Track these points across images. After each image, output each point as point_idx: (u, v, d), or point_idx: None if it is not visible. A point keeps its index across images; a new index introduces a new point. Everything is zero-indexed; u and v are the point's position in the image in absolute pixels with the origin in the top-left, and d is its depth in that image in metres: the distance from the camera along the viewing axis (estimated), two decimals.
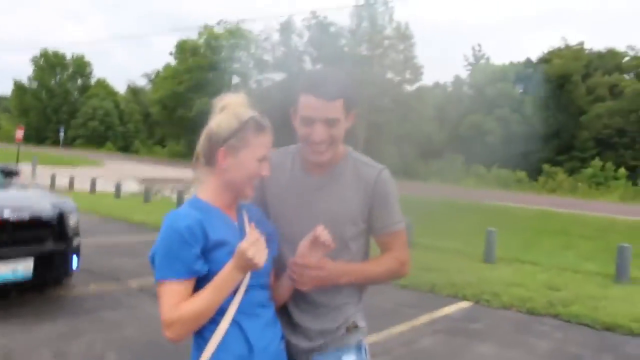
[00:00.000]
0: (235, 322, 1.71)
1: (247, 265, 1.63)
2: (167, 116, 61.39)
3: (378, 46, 54.49)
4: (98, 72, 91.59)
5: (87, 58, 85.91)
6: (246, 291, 1.72)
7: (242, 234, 1.77)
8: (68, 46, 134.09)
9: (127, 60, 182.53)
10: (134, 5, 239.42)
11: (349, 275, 1.95)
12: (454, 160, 50.33)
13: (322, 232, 1.79)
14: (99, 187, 20.45)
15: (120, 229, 11.46)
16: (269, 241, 1.78)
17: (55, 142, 68.52)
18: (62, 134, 60.05)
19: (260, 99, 56.31)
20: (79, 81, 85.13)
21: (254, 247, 1.62)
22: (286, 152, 2.11)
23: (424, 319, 6.23)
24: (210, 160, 1.76)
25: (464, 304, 6.99)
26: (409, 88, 56.45)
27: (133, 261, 8.26)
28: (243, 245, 1.61)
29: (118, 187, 18.97)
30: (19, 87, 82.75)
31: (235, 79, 64.29)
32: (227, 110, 1.76)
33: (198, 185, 1.82)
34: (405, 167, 45.01)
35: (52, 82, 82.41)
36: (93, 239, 9.55)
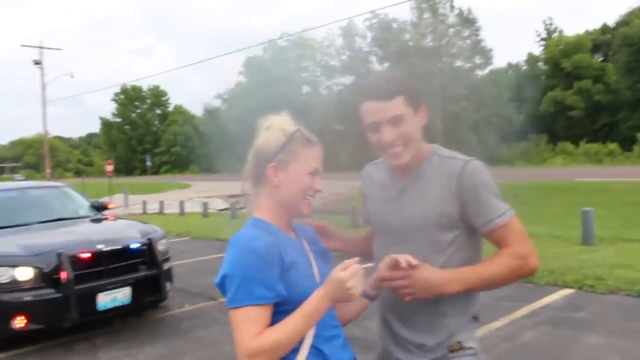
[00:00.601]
0: (314, 348, 1.60)
1: (342, 295, 1.53)
2: (244, 133, 62.70)
3: (443, 36, 53.58)
4: (174, 99, 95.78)
5: (162, 87, 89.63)
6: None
7: (304, 252, 1.69)
8: (143, 80, 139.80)
9: (200, 84, 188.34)
10: (197, 32, 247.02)
11: (455, 282, 1.74)
12: (537, 140, 48.61)
13: (399, 259, 1.68)
14: (188, 209, 21.09)
15: (210, 248, 11.71)
16: (325, 257, 1.76)
17: (143, 171, 71.68)
18: (148, 163, 62.70)
19: (333, 104, 56.68)
20: (158, 110, 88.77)
21: (355, 277, 1.52)
22: (380, 163, 2.05)
23: (523, 311, 5.95)
24: (260, 178, 1.69)
25: (566, 292, 6.62)
26: (481, 73, 55.01)
27: None
28: (343, 274, 1.52)
29: (205, 207, 19.50)
30: (105, 124, 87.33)
31: (306, 88, 64.95)
32: (273, 128, 1.69)
33: (252, 206, 1.74)
34: (488, 153, 43.80)
35: (133, 115, 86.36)
36: (185, 260, 9.82)
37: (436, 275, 1.72)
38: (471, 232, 1.84)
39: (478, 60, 54.41)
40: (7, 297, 5.24)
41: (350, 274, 1.51)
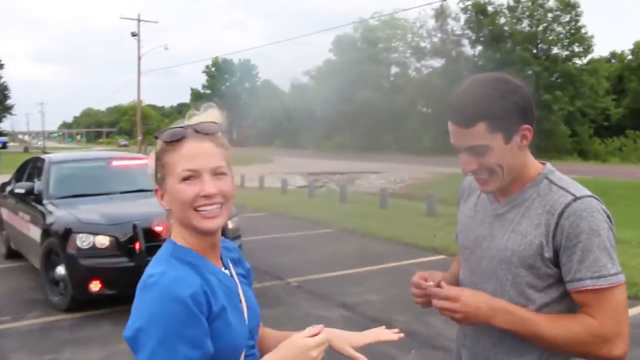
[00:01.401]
0: None
1: (297, 358, 1.28)
2: (330, 110, 63.04)
3: (540, 21, 51.23)
4: (263, 74, 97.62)
5: (252, 62, 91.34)
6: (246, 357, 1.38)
7: (232, 285, 1.40)
8: (234, 54, 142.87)
9: (288, 60, 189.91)
10: (287, 8, 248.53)
11: (504, 317, 1.50)
12: (636, 136, 45.88)
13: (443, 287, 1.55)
14: (267, 184, 21.51)
15: (284, 225, 11.93)
16: (248, 278, 1.53)
17: (230, 143, 73.57)
18: (235, 135, 64.25)
19: (421, 86, 55.87)
20: (247, 84, 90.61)
21: (321, 348, 1.30)
22: None
23: None
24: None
25: None
26: (579, 62, 52.31)
27: (294, 257, 8.56)
28: (309, 342, 1.28)
29: (284, 183, 19.82)
30: (195, 94, 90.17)
31: (394, 69, 64.23)
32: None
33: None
34: (579, 146, 41.89)
35: (223, 87, 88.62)
36: (259, 236, 10.05)
37: (487, 305, 1.51)
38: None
39: (577, 48, 51.86)
40: (86, 262, 5.59)
41: (317, 343, 1.28)
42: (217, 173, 1.31)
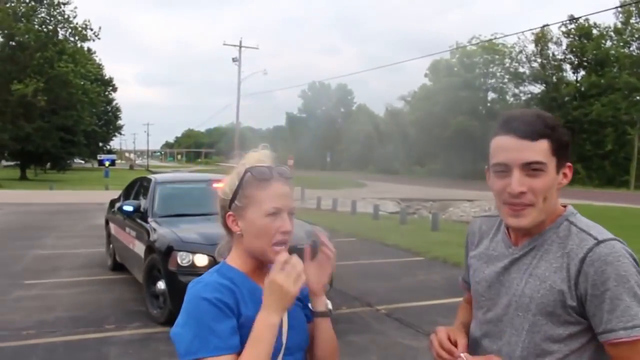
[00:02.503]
0: None
1: (279, 298, 1.39)
2: (424, 136, 62.48)
3: None
4: (358, 98, 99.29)
5: (349, 87, 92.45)
6: None
7: None
8: (330, 79, 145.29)
9: (383, 84, 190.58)
10: (382, 33, 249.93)
11: None
12: None
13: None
14: (359, 208, 21.56)
15: (375, 251, 11.95)
16: (302, 302, 1.58)
17: (323, 167, 74.47)
18: (328, 159, 64.97)
19: None
20: (342, 108, 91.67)
21: (283, 272, 1.39)
22: (494, 216, 1.72)
23: None
24: (226, 227, 1.55)
25: None
26: None
27: (383, 285, 8.55)
28: (278, 277, 1.39)
29: (376, 209, 19.82)
30: (290, 118, 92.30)
31: (492, 95, 62.92)
32: (235, 170, 1.54)
33: (224, 251, 1.60)
34: None
35: (319, 111, 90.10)
36: (349, 261, 10.12)
37: None
38: (593, 333, 1.43)
39: None
40: (186, 278, 5.86)
41: (276, 270, 1.39)
42: (291, 214, 1.50)
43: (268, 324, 1.38)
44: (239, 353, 1.37)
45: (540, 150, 1.40)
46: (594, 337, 1.41)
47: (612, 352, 1.37)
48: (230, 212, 1.50)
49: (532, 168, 1.40)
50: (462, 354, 1.51)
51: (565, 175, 1.48)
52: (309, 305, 1.60)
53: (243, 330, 1.40)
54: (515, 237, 1.56)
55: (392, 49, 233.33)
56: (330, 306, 1.57)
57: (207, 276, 1.48)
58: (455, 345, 1.57)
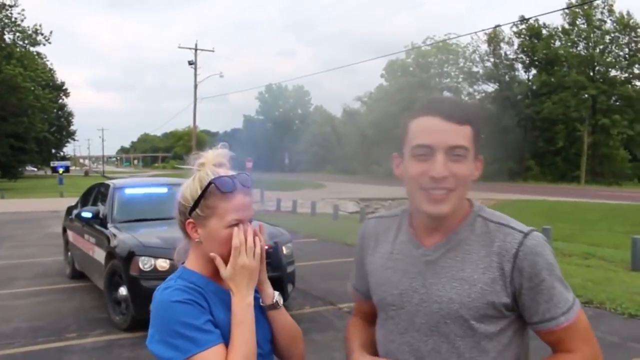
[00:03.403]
0: None
1: (247, 277, 1.45)
2: (382, 136, 63.02)
3: (597, 43, 50.26)
4: (315, 100, 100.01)
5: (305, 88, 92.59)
6: None
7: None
8: (283, 81, 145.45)
9: (338, 86, 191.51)
10: (336, 36, 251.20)
11: None
12: None
13: None
14: (319, 209, 21.65)
15: (336, 251, 12.01)
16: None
17: (281, 169, 74.40)
18: (286, 161, 64.86)
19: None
20: (299, 110, 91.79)
21: (241, 253, 1.45)
22: (391, 216, 1.63)
23: None
24: (184, 232, 1.55)
25: None
26: (639, 84, 50.95)
27: (345, 284, 8.59)
28: (232, 262, 1.45)
29: (336, 209, 19.95)
30: (248, 121, 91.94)
31: (447, 94, 63.91)
32: (196, 176, 1.52)
33: (182, 255, 1.61)
34: None
35: (276, 113, 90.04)
36: (311, 262, 10.18)
37: None
38: (516, 324, 1.43)
39: (637, 69, 50.58)
40: (147, 284, 5.82)
41: (244, 254, 1.45)
42: (250, 221, 1.52)
43: (245, 304, 1.43)
44: (225, 344, 1.40)
45: (465, 135, 1.35)
46: (519, 328, 1.43)
47: (549, 338, 1.40)
48: (190, 220, 1.50)
49: (455, 153, 1.34)
50: None
51: (478, 167, 1.43)
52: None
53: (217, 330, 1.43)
54: (423, 236, 1.48)
55: (346, 51, 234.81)
56: (277, 297, 1.58)
57: (171, 282, 1.48)
58: None
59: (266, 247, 1.57)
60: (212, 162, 1.52)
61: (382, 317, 1.54)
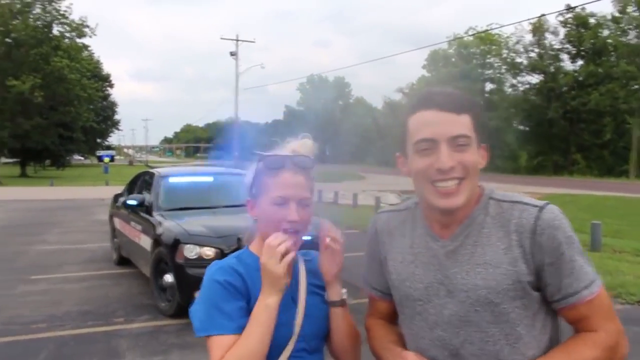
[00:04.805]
0: None
1: (270, 281, 1.43)
2: None
3: None
4: (355, 92, 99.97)
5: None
6: (290, 359, 1.50)
7: (294, 288, 1.55)
8: (323, 72, 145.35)
9: (377, 78, 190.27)
10: (374, 27, 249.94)
11: None
12: None
13: None
14: (361, 201, 21.60)
15: None
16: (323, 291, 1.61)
17: (322, 160, 74.65)
18: (327, 152, 65.01)
19: (517, 103, 54.08)
20: (340, 102, 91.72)
21: (268, 255, 1.43)
22: (404, 209, 1.59)
23: None
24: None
25: None
26: None
27: None
28: (262, 259, 1.44)
29: (377, 201, 19.87)
30: (289, 112, 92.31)
31: (490, 86, 62.92)
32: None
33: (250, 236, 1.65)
34: None
35: (317, 104, 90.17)
36: (354, 253, 10.12)
37: None
38: (546, 303, 1.40)
39: None
40: (193, 271, 5.89)
41: (269, 256, 1.42)
42: (302, 204, 1.50)
43: (264, 305, 1.43)
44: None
45: (464, 123, 1.34)
46: (549, 310, 1.40)
47: (572, 315, 1.37)
48: (249, 198, 1.56)
49: (458, 143, 1.33)
50: None
51: (484, 155, 1.41)
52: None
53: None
54: (439, 228, 1.45)
55: (382, 42, 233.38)
56: (344, 296, 1.57)
57: (225, 259, 1.55)
58: None
59: (308, 238, 1.56)
60: (289, 150, 1.55)
61: (407, 313, 1.51)
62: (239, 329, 1.43)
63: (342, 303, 1.58)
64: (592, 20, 52.45)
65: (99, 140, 71.78)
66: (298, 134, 1.62)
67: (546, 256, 1.32)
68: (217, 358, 1.41)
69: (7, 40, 38.76)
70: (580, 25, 52.53)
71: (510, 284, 1.33)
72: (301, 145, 1.57)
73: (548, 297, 1.37)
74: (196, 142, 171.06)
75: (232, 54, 44.82)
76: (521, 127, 57.45)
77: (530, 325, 1.36)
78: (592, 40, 51.29)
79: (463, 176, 1.34)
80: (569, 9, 49.43)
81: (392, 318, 1.64)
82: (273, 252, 1.42)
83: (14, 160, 53.32)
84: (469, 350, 1.38)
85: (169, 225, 6.55)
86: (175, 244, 6.11)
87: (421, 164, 1.36)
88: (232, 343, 1.41)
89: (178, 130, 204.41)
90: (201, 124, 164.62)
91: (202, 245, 6.02)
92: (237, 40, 44.81)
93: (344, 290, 1.58)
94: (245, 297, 1.47)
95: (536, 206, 1.36)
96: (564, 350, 1.36)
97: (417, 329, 1.47)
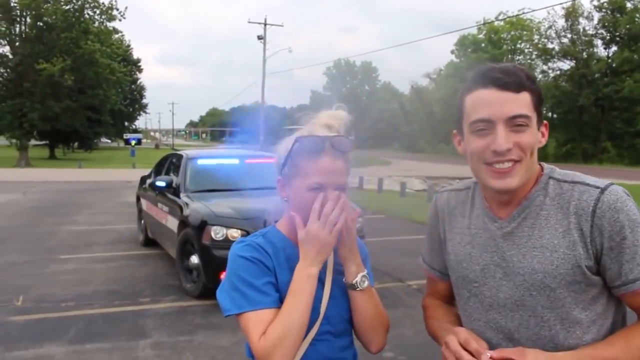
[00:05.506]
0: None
1: (317, 249, 1.38)
2: (450, 114, 61.94)
3: None
4: (382, 76, 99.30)
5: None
6: (314, 342, 1.44)
7: (323, 266, 1.46)
8: (349, 56, 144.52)
9: (403, 63, 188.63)
10: (399, 11, 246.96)
11: None
12: None
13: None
14: (386, 186, 21.52)
15: (404, 228, 11.92)
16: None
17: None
18: (352, 137, 64.68)
19: (548, 89, 53.20)
20: (367, 87, 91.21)
21: (318, 221, 1.37)
22: (464, 188, 1.54)
23: None
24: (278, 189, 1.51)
25: None
26: None
27: (414, 261, 8.50)
28: (312, 227, 1.38)
29: (403, 187, 19.75)
30: (315, 96, 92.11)
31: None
32: (296, 132, 1.47)
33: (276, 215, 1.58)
34: None
35: (343, 89, 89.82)
36: (378, 238, 10.11)
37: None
38: (609, 289, 1.34)
39: None
40: (219, 253, 5.90)
41: (321, 223, 1.37)
42: (339, 189, 1.42)
43: (306, 274, 1.38)
44: (279, 309, 1.38)
45: (524, 102, 1.28)
46: (611, 296, 1.34)
47: (632, 301, 1.31)
48: (280, 177, 1.48)
49: (516, 123, 1.27)
50: (487, 353, 1.30)
51: (543, 134, 1.35)
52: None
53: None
54: (497, 208, 1.40)
55: (408, 28, 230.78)
56: (358, 279, 1.46)
57: (250, 237, 1.50)
58: None
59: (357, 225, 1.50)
60: (322, 123, 1.46)
61: (463, 295, 1.48)
62: (275, 303, 1.38)
63: (354, 286, 1.48)
64: (629, 5, 51.13)
65: (126, 124, 72.59)
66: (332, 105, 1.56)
67: (606, 240, 1.26)
68: (258, 334, 1.35)
69: (39, 23, 39.19)
70: (616, 10, 51.25)
71: (569, 269, 1.28)
72: (334, 116, 1.48)
73: (608, 282, 1.31)
74: (222, 126, 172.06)
75: (260, 37, 44.79)
76: (549, 114, 56.59)
77: (588, 309, 1.31)
78: (627, 26, 50.04)
79: (519, 159, 1.28)
80: None
81: (450, 299, 1.61)
82: (326, 218, 1.36)
83: (43, 142, 54.16)
84: (524, 334, 1.34)
85: (196, 206, 6.57)
86: (202, 226, 6.13)
87: (477, 145, 1.31)
88: (272, 317, 1.36)
89: (204, 114, 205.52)
90: (227, 108, 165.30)
91: (228, 227, 6.03)
92: (265, 24, 44.75)
93: (362, 274, 1.48)
94: (273, 274, 1.42)
95: (598, 187, 1.29)
96: (623, 336, 1.31)
97: (472, 311, 1.45)
